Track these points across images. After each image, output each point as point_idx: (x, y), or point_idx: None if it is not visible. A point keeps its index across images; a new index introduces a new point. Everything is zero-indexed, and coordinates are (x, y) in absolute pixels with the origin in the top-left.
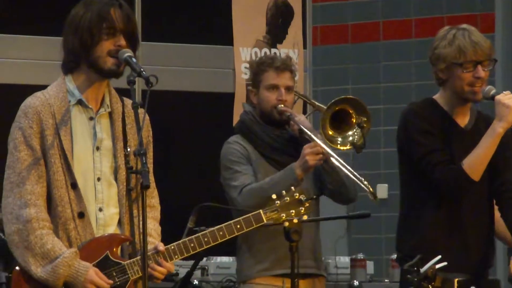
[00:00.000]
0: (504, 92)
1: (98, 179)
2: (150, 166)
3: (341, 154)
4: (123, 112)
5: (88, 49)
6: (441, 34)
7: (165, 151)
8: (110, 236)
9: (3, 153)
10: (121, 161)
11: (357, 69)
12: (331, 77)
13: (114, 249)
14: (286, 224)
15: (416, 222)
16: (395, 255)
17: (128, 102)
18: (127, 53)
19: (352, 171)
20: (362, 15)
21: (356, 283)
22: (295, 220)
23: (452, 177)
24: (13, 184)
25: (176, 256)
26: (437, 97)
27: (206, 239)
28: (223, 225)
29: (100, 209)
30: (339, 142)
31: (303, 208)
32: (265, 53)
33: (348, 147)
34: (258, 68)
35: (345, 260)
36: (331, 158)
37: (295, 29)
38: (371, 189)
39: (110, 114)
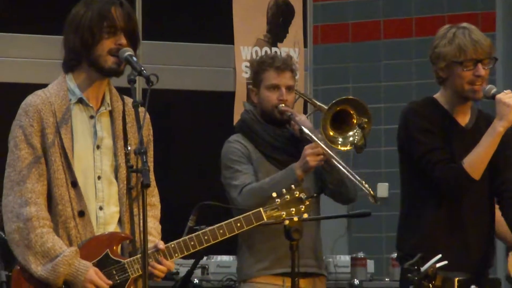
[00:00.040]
0: (504, 91)
1: (99, 177)
2: (151, 165)
3: (341, 152)
4: (124, 111)
5: (89, 48)
6: (441, 33)
7: (165, 150)
8: (110, 234)
9: (3, 151)
10: (122, 160)
11: (358, 68)
12: (332, 76)
13: (114, 248)
14: (287, 222)
15: (417, 221)
16: (396, 254)
17: (129, 100)
18: (128, 52)
19: (353, 173)
20: (363, 14)
21: (356, 282)
22: (296, 219)
23: (452, 175)
24: (14, 182)
25: (176, 254)
26: (437, 96)
27: (206, 237)
28: (223, 223)
29: (101, 208)
30: (339, 142)
31: (304, 206)
32: (266, 52)
33: (348, 147)
34: (259, 68)
35: (345, 259)
36: (332, 160)
37: (295, 28)
38: (372, 192)
39: (111, 113)
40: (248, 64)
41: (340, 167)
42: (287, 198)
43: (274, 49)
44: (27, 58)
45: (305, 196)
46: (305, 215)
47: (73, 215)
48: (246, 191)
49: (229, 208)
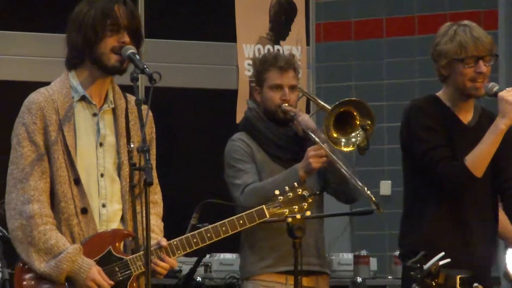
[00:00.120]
0: (507, 88)
1: (101, 175)
2: (153, 163)
3: (344, 151)
4: (127, 109)
5: (92, 46)
6: (442, 31)
7: (168, 148)
8: (113, 231)
9: (5, 149)
10: (125, 157)
11: (360, 66)
12: (334, 74)
13: (117, 245)
14: (289, 220)
15: (418, 218)
16: (398, 252)
17: (132, 98)
18: (131, 49)
19: (356, 179)
20: (365, 12)
21: (359, 279)
22: (298, 216)
23: (454, 173)
24: (17, 180)
25: (179, 252)
26: (440, 94)
27: (209, 235)
28: (226, 220)
29: (103, 205)
30: (343, 143)
31: (306, 204)
32: (268, 50)
33: (351, 148)
34: (262, 67)
35: (348, 256)
36: (336, 164)
37: (298, 26)
38: (373, 199)
39: (114, 110)
40: (250, 62)
41: (343, 171)
42: (290, 195)
43: (276, 47)
44: (27, 56)
45: (308, 194)
46: (308, 213)
47: (75, 213)
48: (248, 190)
49: (232, 206)
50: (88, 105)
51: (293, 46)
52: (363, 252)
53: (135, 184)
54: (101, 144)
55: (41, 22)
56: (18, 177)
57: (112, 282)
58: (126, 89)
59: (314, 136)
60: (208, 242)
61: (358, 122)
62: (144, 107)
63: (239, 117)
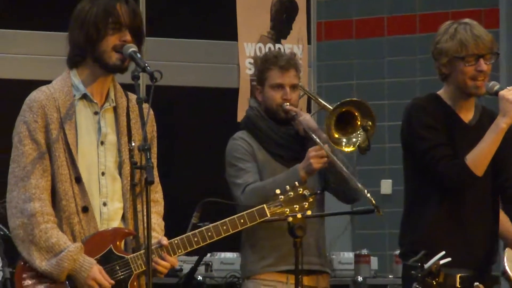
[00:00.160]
0: (508, 87)
1: (103, 173)
2: (154, 161)
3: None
4: (128, 107)
5: (94, 44)
6: (442, 29)
7: (169, 146)
8: (114, 230)
9: (5, 147)
10: (126, 156)
11: (362, 64)
12: (336, 72)
13: (118, 243)
14: (290, 219)
15: (419, 218)
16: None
17: (133, 97)
18: (132, 48)
19: (356, 181)
20: (367, 10)
21: (360, 278)
22: (299, 216)
23: (455, 172)
24: (18, 178)
25: (180, 251)
26: (441, 92)
27: (209, 234)
28: (226, 219)
29: (104, 204)
30: (343, 143)
31: (307, 203)
32: (270, 48)
33: (352, 148)
34: (263, 66)
35: (349, 255)
36: (336, 165)
37: (299, 24)
38: (373, 201)
39: (115, 109)
40: (251, 60)
41: (343, 173)
42: (291, 195)
43: (277, 45)
44: (28, 54)
45: (308, 193)
46: (309, 212)
47: (76, 211)
48: (249, 190)
49: (232, 205)
50: (89, 104)
51: (294, 45)
52: (364, 251)
53: (136, 182)
54: (102, 143)
55: (42, 21)
56: (20, 175)
57: (112, 281)
58: (127, 88)
59: (315, 136)
60: (209, 241)
61: (359, 123)
62: (145, 106)
63: (240, 116)
